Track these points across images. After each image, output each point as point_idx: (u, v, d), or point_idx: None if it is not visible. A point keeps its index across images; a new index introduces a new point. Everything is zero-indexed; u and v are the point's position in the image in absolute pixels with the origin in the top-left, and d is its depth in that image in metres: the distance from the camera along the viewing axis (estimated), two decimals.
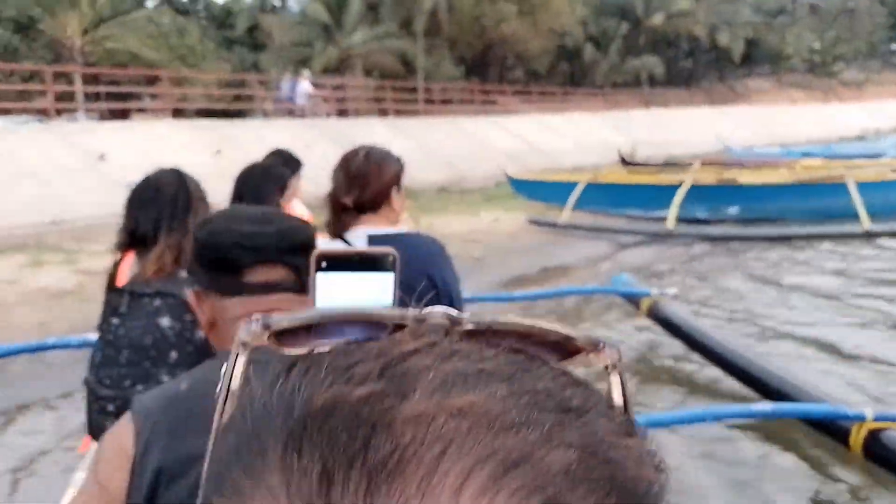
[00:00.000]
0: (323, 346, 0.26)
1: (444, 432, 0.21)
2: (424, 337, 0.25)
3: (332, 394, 0.23)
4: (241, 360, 0.28)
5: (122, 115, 17.30)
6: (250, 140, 13.63)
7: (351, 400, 0.22)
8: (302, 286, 0.98)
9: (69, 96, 16.41)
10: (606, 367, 0.27)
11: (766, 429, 3.44)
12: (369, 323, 0.26)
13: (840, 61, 45.85)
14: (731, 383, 3.79)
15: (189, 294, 1.03)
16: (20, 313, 5.68)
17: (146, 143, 12.68)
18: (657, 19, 38.29)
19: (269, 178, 2.71)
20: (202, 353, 1.68)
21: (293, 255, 1.00)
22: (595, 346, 0.26)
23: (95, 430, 1.73)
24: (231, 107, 18.10)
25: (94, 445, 1.90)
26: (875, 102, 38.17)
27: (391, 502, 0.20)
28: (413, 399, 0.22)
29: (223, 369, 0.90)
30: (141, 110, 17.67)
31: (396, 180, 1.79)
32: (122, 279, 1.85)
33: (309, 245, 1.01)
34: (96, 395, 1.73)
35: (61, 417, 3.89)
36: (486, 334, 0.26)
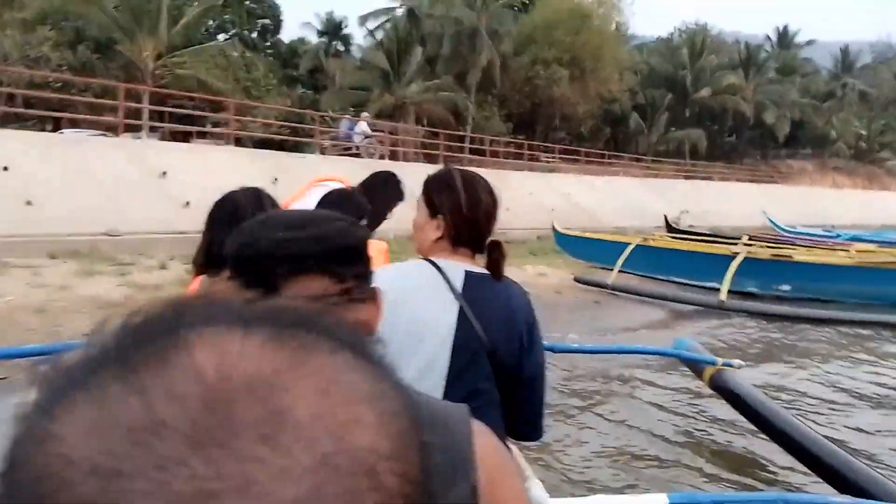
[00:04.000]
0: None
1: None
2: None
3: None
4: None
5: (184, 137, 17.99)
6: (306, 172, 14.02)
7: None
8: (349, 297, 0.88)
9: (136, 114, 17.17)
10: None
11: None
12: None
13: (886, 149, 45.70)
14: (799, 469, 3.52)
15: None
16: (67, 320, 5.69)
17: (207, 165, 13.03)
18: (703, 93, 38.85)
19: (346, 204, 2.56)
20: None
21: (336, 263, 0.88)
22: None
23: None
24: (289, 139, 18.71)
25: None
26: None
27: None
28: None
29: None
30: (202, 135, 18.35)
31: None
32: None
33: (355, 249, 0.91)
34: None
35: None
36: None
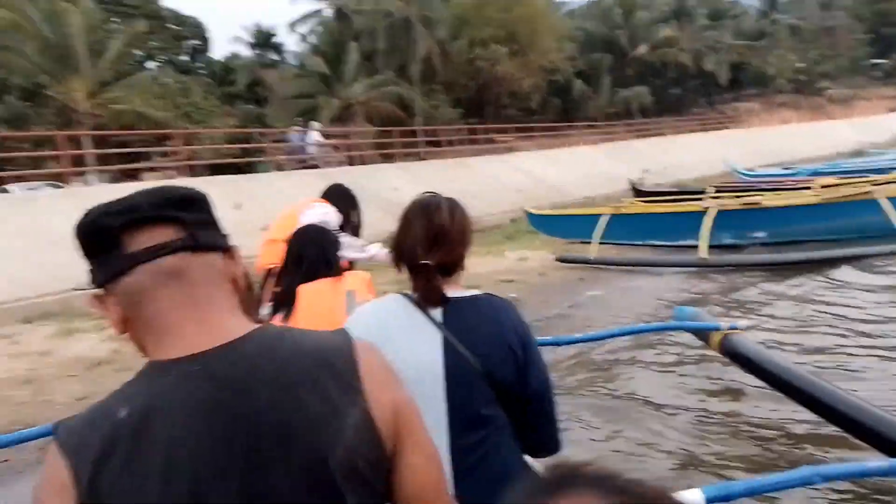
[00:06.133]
0: None
1: None
2: None
3: None
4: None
5: (133, 175, 17.45)
6: (267, 193, 13.74)
7: None
8: (199, 244, 0.88)
9: (79, 160, 16.57)
10: None
11: (879, 488, 3.01)
12: None
13: (825, 79, 46.79)
14: (827, 429, 3.44)
15: (89, 301, 0.92)
16: (57, 387, 5.45)
17: None
18: (642, 50, 39.21)
19: (331, 240, 2.66)
20: None
21: (176, 209, 0.87)
22: None
23: None
24: (241, 161, 18.30)
25: None
26: (865, 117, 38.74)
27: None
28: None
29: (157, 387, 0.84)
30: (151, 169, 17.82)
31: (471, 239, 1.62)
32: None
33: (191, 198, 0.90)
34: None
35: None
36: None
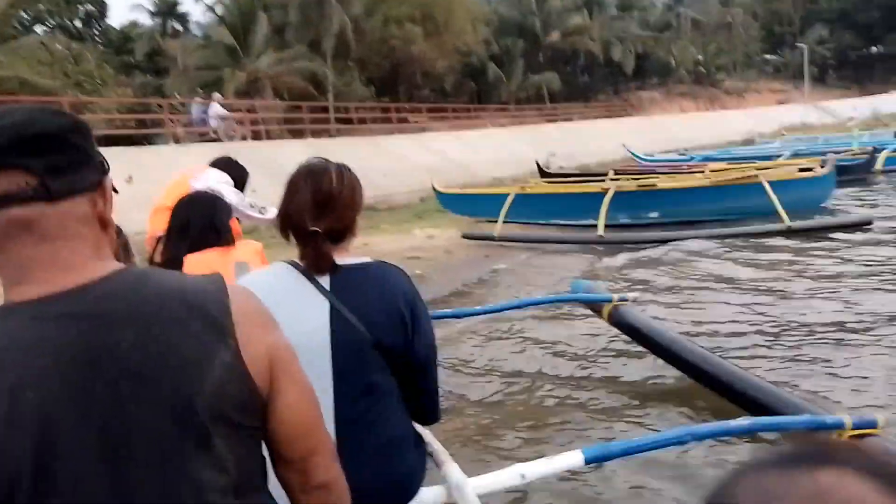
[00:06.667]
0: None
1: None
2: None
3: None
4: None
5: None
6: (163, 166, 13.09)
7: None
8: (52, 194, 0.79)
9: None
10: None
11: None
12: None
13: (722, 71, 49.52)
14: (703, 393, 3.69)
15: None
16: None
17: None
18: (554, 37, 40.04)
19: (221, 206, 2.56)
20: None
21: (26, 154, 0.77)
22: None
23: None
24: (137, 132, 17.32)
25: None
26: (756, 108, 41.39)
27: None
28: None
29: (4, 328, 0.78)
30: None
31: (362, 204, 1.59)
32: None
33: (54, 136, 0.79)
34: None
35: None
36: None
